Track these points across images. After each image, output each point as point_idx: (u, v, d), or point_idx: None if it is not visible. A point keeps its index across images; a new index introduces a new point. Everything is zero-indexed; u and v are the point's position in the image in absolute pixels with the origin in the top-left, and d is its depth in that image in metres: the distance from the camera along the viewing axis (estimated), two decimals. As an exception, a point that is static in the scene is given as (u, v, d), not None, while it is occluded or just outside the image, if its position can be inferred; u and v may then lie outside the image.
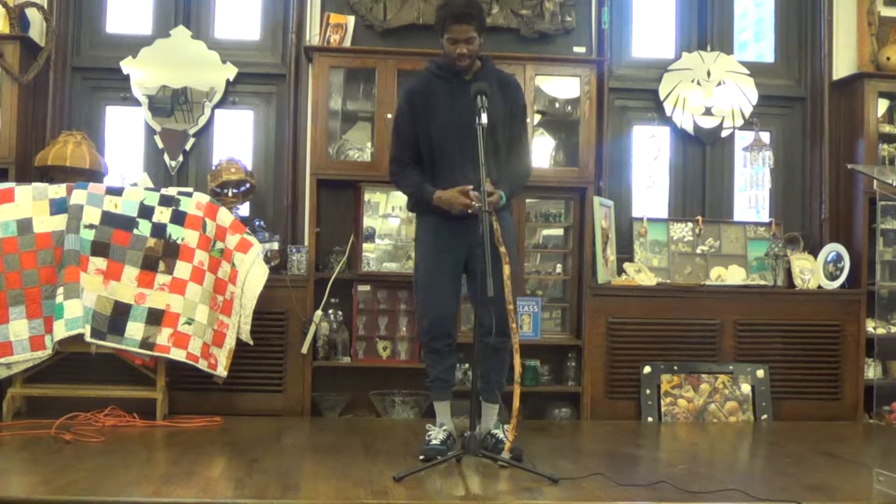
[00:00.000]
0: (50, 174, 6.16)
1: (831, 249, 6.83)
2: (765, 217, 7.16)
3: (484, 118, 4.49)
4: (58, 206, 5.64)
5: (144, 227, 5.67)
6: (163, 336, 5.58)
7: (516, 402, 4.48)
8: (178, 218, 5.73)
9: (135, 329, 5.56)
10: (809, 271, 6.80)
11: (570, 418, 6.48)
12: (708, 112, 7.06)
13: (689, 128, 7.06)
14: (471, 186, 4.55)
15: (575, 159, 6.59)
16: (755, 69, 7.16)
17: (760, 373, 6.55)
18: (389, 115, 6.31)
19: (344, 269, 6.38)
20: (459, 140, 4.66)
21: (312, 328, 6.20)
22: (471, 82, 4.68)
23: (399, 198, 6.44)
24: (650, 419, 6.40)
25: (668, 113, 7.05)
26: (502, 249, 4.52)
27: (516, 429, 4.54)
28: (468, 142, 4.54)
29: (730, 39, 7.27)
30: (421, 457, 4.62)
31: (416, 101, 4.83)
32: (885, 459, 5.05)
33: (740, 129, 7.12)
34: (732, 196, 7.23)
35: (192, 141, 6.72)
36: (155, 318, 5.59)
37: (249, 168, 6.57)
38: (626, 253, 6.92)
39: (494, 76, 4.85)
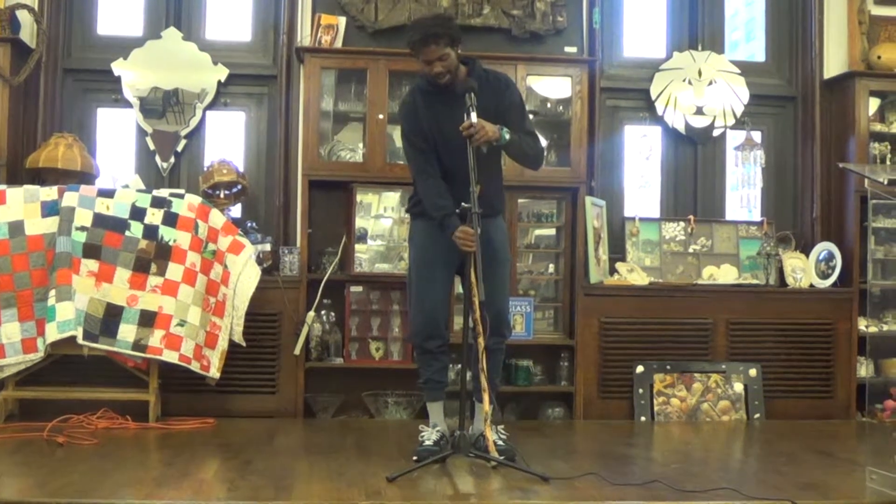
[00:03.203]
0: (41, 176, 6.15)
1: (823, 248, 6.84)
2: (757, 216, 7.17)
3: (473, 116, 4.51)
4: (49, 209, 5.63)
5: (136, 229, 5.66)
6: (155, 338, 5.57)
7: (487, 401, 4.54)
8: (170, 219, 5.72)
9: (127, 331, 5.55)
10: (801, 270, 6.81)
11: (563, 418, 6.48)
12: (699, 111, 7.07)
13: (681, 127, 7.07)
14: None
15: (567, 159, 6.60)
16: (746, 68, 7.17)
17: (753, 372, 6.56)
18: (381, 116, 6.32)
19: (336, 269, 6.38)
20: (456, 146, 4.64)
21: (305, 329, 6.19)
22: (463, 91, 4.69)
23: (391, 199, 6.46)
24: (643, 418, 6.40)
25: (659, 112, 7.05)
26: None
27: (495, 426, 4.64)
28: (464, 147, 4.54)
29: (721, 39, 7.28)
30: (414, 458, 4.62)
31: (418, 117, 4.82)
32: (878, 457, 5.05)
33: (732, 128, 7.13)
34: (724, 195, 7.23)
35: (183, 142, 6.72)
36: (147, 319, 5.58)
37: (241, 169, 6.57)
38: (618, 252, 6.93)
39: (483, 77, 4.84)
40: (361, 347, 6.41)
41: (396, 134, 6.09)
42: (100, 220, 5.64)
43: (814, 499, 4.09)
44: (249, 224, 6.47)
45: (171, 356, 5.58)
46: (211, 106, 6.76)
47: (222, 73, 6.72)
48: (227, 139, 6.86)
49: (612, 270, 6.79)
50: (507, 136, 4.68)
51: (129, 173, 6.59)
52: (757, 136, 7.08)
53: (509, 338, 5.06)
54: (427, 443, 4.78)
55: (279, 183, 6.64)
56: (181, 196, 5.85)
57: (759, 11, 7.37)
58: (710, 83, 7.07)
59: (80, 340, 5.48)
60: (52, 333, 5.42)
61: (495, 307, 4.77)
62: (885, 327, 6.76)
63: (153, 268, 5.64)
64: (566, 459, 4.96)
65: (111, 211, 5.68)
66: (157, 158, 6.68)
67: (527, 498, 4.05)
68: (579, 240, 6.51)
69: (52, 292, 5.46)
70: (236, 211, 6.65)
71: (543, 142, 6.63)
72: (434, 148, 4.81)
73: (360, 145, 6.56)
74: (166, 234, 5.69)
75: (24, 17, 6.41)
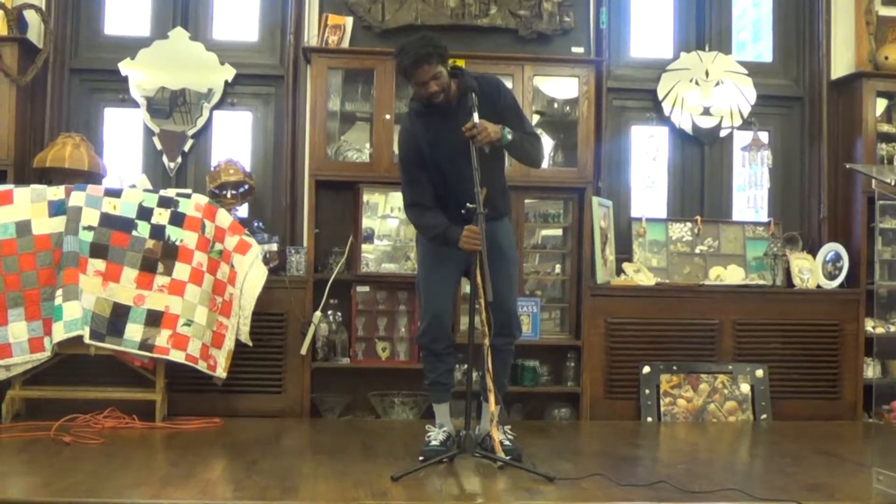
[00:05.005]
0: (48, 176, 6.16)
1: (830, 249, 6.83)
2: (763, 217, 7.16)
3: (475, 117, 4.52)
4: (56, 208, 5.64)
5: (143, 229, 5.67)
6: (162, 337, 5.58)
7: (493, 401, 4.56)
8: (177, 219, 5.73)
9: (134, 330, 5.56)
10: (808, 271, 6.80)
11: (570, 419, 6.48)
12: (706, 112, 7.06)
13: (688, 128, 7.06)
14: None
15: (573, 159, 6.59)
16: (753, 69, 7.16)
17: (759, 372, 6.55)
18: (388, 116, 6.32)
19: (343, 269, 6.38)
20: (462, 154, 4.63)
21: (311, 329, 6.20)
22: (458, 102, 4.71)
23: (398, 199, 6.44)
24: (649, 419, 6.40)
25: (666, 113, 7.05)
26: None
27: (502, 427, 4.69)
28: (468, 154, 4.54)
29: (728, 39, 7.27)
30: (420, 458, 4.62)
31: (419, 144, 4.82)
32: (885, 459, 5.05)
33: (739, 128, 7.12)
34: (731, 196, 7.23)
35: (190, 142, 6.72)
36: (154, 319, 5.59)
37: (248, 169, 6.57)
38: (624, 253, 6.92)
39: (473, 84, 4.82)
40: (368, 347, 6.41)
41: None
42: (107, 220, 5.65)
43: (820, 500, 4.09)
44: (256, 224, 6.48)
45: (177, 356, 5.59)
46: (218, 106, 6.77)
47: (229, 73, 6.72)
48: (233, 139, 6.87)
49: (619, 271, 6.78)
50: (510, 137, 4.70)
51: (136, 173, 6.60)
52: (764, 136, 7.08)
53: (519, 338, 5.07)
54: (433, 443, 4.78)
55: (286, 183, 6.64)
56: (188, 196, 5.86)
57: (767, 12, 7.36)
58: (717, 84, 7.06)
59: (86, 340, 5.48)
60: (59, 333, 5.43)
61: (505, 308, 4.77)
62: (892, 328, 6.74)
63: (160, 267, 5.65)
64: (572, 460, 4.96)
65: (118, 211, 5.69)
66: (164, 158, 6.69)
67: (533, 498, 4.05)
68: (586, 240, 6.50)
69: (59, 292, 5.47)
70: (243, 211, 6.66)
71: (550, 142, 6.71)
72: (433, 172, 4.81)
73: (367, 145, 6.56)
74: (173, 233, 5.70)
75: (31, 17, 6.43)
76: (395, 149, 6.25)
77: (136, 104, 6.67)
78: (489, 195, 4.63)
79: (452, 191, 4.75)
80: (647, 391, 6.45)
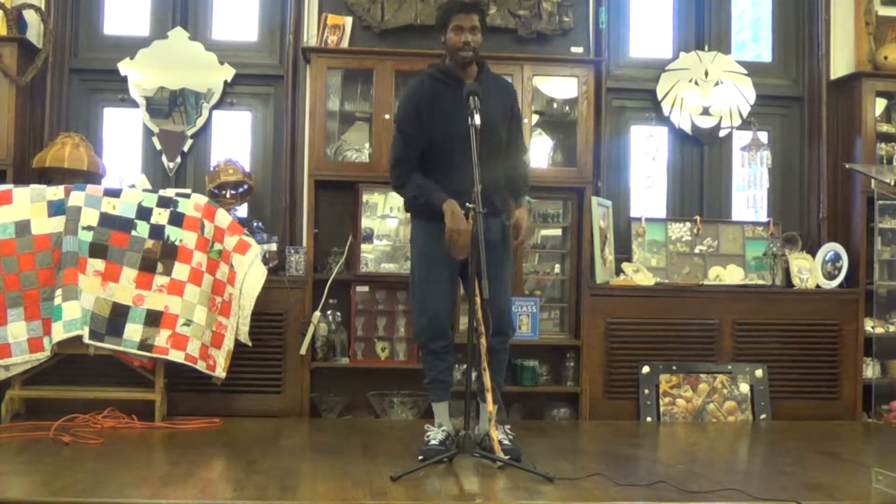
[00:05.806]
0: (48, 176, 6.16)
1: (829, 249, 6.84)
2: (763, 216, 7.17)
3: (477, 119, 4.53)
4: (56, 208, 5.64)
5: (142, 229, 5.67)
6: (161, 337, 5.58)
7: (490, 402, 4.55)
8: (177, 219, 5.73)
9: (133, 330, 5.56)
10: (808, 271, 6.80)
11: (569, 418, 6.48)
12: (706, 112, 7.06)
13: (687, 128, 7.06)
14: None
15: (573, 159, 6.59)
16: (753, 69, 7.16)
17: (759, 372, 6.55)
18: (387, 116, 6.31)
19: (342, 269, 6.38)
20: (460, 143, 4.65)
21: (311, 329, 6.20)
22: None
23: (397, 199, 6.44)
24: (649, 419, 6.40)
25: (665, 113, 7.05)
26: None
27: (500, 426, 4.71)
28: (468, 144, 4.54)
29: (727, 39, 7.27)
30: (420, 457, 4.62)
31: (421, 105, 4.82)
32: (884, 458, 5.05)
33: (738, 128, 7.13)
34: (730, 196, 7.23)
35: (189, 142, 6.72)
36: (153, 319, 5.59)
37: (247, 169, 6.57)
38: (624, 253, 6.92)
39: (492, 80, 4.87)
40: (367, 347, 6.41)
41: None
42: (106, 220, 5.65)
43: (819, 500, 4.09)
44: (255, 224, 6.48)
45: (177, 356, 5.59)
46: (217, 106, 6.77)
47: (228, 72, 6.72)
48: (233, 139, 6.87)
49: (618, 271, 6.78)
50: (531, 205, 4.83)
51: (135, 173, 6.61)
52: (763, 136, 7.08)
53: (513, 337, 5.07)
54: (433, 442, 4.77)
55: (285, 183, 6.64)
56: (187, 196, 5.86)
57: (766, 12, 7.36)
58: (717, 83, 7.06)
59: (86, 340, 5.48)
60: (59, 333, 5.43)
61: (498, 306, 4.76)
62: (892, 328, 6.75)
63: (159, 267, 5.65)
64: (572, 460, 4.96)
65: (117, 210, 5.69)
66: (164, 158, 6.69)
67: (532, 498, 4.04)
68: (585, 240, 6.50)
69: (59, 291, 5.47)
70: (242, 211, 6.66)
71: (549, 142, 6.71)
72: (426, 141, 4.81)
73: (367, 145, 6.56)
74: (172, 233, 5.70)
75: (31, 16, 6.43)
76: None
77: (135, 104, 6.67)
78: (485, 191, 4.61)
79: (444, 177, 4.75)
80: (647, 391, 6.45)
